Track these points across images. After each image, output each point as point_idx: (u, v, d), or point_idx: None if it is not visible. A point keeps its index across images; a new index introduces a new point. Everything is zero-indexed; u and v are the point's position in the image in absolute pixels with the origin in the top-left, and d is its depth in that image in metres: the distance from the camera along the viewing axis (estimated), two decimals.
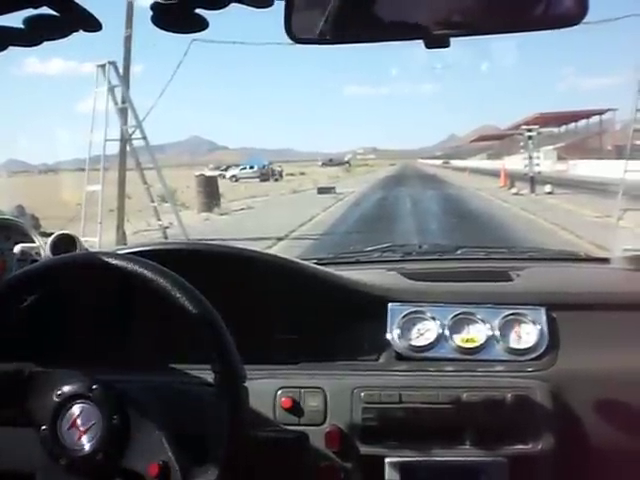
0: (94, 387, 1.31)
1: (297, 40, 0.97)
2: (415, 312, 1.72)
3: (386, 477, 1.54)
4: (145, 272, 1.29)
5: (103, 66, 13.18)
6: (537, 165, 26.35)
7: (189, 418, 1.32)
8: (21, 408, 1.34)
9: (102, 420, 1.29)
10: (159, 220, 14.45)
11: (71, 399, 1.31)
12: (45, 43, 0.89)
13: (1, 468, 1.39)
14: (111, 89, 13.27)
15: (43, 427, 1.31)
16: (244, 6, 0.87)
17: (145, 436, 1.29)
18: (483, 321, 1.70)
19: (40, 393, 1.34)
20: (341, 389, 1.59)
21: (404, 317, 1.72)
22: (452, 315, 1.71)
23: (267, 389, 1.58)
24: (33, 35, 0.87)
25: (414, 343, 1.70)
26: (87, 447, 1.28)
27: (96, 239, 11.89)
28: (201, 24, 0.88)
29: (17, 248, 1.93)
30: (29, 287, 1.40)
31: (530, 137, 27.32)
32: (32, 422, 1.32)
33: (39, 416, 1.32)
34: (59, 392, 1.32)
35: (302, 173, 68.17)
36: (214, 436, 1.24)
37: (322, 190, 30.96)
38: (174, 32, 0.89)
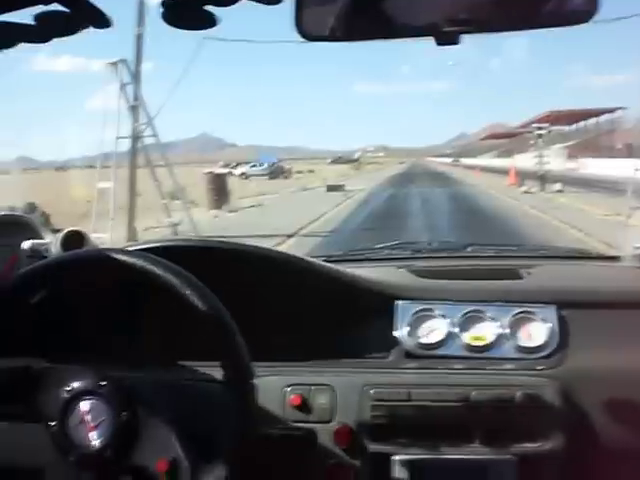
0: (103, 383, 1.32)
1: (307, 37, 0.97)
2: (424, 310, 1.72)
3: (395, 475, 1.54)
4: (154, 269, 1.29)
5: (114, 64, 13.24)
6: (547, 163, 26.33)
7: (198, 415, 1.33)
8: (30, 404, 1.34)
9: (111, 416, 1.29)
10: (169, 217, 14.50)
11: (80, 395, 1.32)
12: (54, 40, 0.90)
13: (11, 463, 1.40)
14: (122, 87, 13.33)
15: (52, 423, 1.31)
16: (254, 2, 0.87)
17: (154, 432, 1.29)
18: (493, 319, 1.69)
19: (49, 389, 1.34)
20: (350, 386, 1.59)
21: (413, 315, 1.71)
22: (462, 313, 1.70)
23: (276, 386, 1.59)
24: (43, 32, 0.87)
25: (423, 341, 1.70)
26: (96, 443, 1.29)
27: (106, 235, 11.94)
28: (211, 21, 0.88)
29: (27, 244, 1.94)
30: (39, 283, 1.41)
31: (540, 135, 27.31)
32: (41, 418, 1.33)
33: (48, 412, 1.32)
34: (68, 388, 1.32)
35: (311, 171, 68.10)
36: (223, 433, 1.24)
37: (331, 188, 31.02)
38: (184, 29, 0.89)
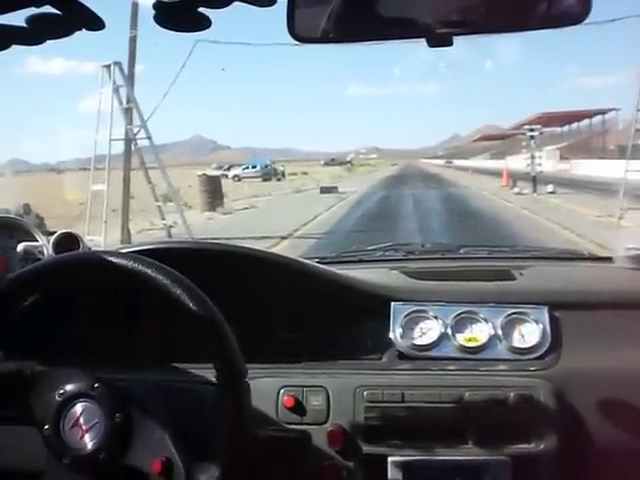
0: (96, 385, 1.32)
1: (300, 39, 0.97)
2: (418, 311, 1.72)
3: (389, 476, 1.54)
4: (146, 270, 1.29)
5: (108, 66, 13.22)
6: (539, 165, 26.33)
7: (192, 416, 1.33)
8: (23, 408, 1.34)
9: (104, 418, 1.29)
10: (163, 219, 14.48)
11: (73, 398, 1.31)
12: (46, 42, 0.89)
13: (6, 466, 1.40)
14: (116, 89, 13.31)
15: (46, 426, 1.31)
16: (247, 5, 0.87)
17: (148, 433, 1.29)
18: (486, 320, 1.69)
19: (42, 392, 1.34)
20: (344, 388, 1.59)
21: (407, 316, 1.72)
22: (455, 314, 1.70)
23: (270, 388, 1.59)
24: (36, 34, 0.87)
25: (417, 342, 1.70)
26: (90, 446, 1.29)
27: (100, 238, 11.92)
28: (204, 23, 0.88)
29: (20, 247, 1.93)
30: (32, 286, 1.41)
31: (532, 137, 27.29)
32: (34, 422, 1.33)
33: (41, 415, 1.32)
34: (61, 391, 1.32)
35: (304, 173, 68.05)
36: (216, 434, 1.24)
37: (325, 189, 31.04)
38: (177, 31, 0.89)
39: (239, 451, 1.26)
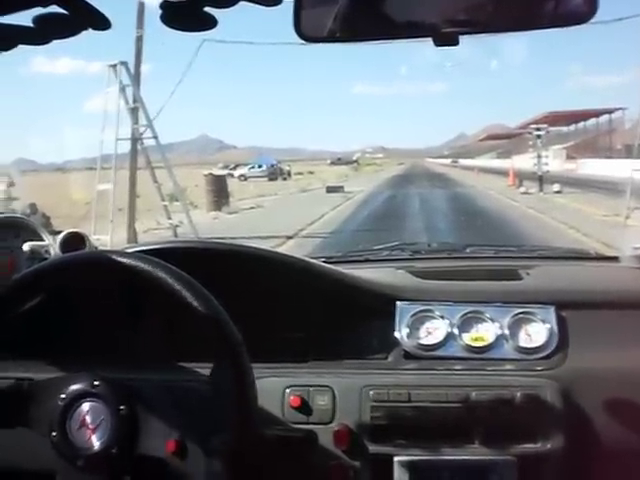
0: (96, 383, 1.32)
1: (306, 38, 0.97)
2: (424, 311, 1.72)
3: (395, 476, 1.53)
4: (151, 270, 1.29)
5: (114, 66, 13.26)
6: (546, 164, 26.33)
7: (197, 415, 1.33)
8: (27, 421, 1.34)
9: (109, 414, 1.30)
10: (169, 219, 14.51)
11: (76, 399, 1.32)
12: (53, 42, 0.89)
13: (16, 466, 1.40)
14: (122, 89, 13.35)
15: (53, 433, 1.31)
16: (253, 4, 0.87)
17: (154, 421, 1.30)
18: (492, 320, 1.69)
19: (44, 401, 1.34)
20: (350, 388, 1.59)
21: (413, 316, 1.71)
22: (461, 314, 1.70)
23: (275, 387, 1.59)
24: (42, 34, 0.87)
25: (423, 342, 1.69)
26: (100, 444, 1.29)
27: (107, 237, 11.96)
28: (210, 22, 0.88)
29: (26, 246, 1.94)
30: (38, 285, 1.41)
31: (539, 136, 27.29)
32: (41, 431, 1.33)
33: (47, 423, 1.32)
34: (62, 395, 1.32)
35: (311, 172, 68.08)
36: (222, 434, 1.25)
37: (331, 189, 31.07)
38: (183, 31, 0.89)
39: (245, 451, 1.26)
